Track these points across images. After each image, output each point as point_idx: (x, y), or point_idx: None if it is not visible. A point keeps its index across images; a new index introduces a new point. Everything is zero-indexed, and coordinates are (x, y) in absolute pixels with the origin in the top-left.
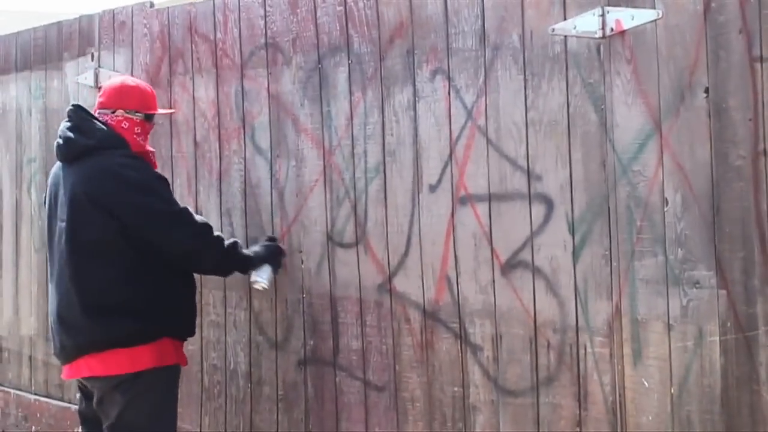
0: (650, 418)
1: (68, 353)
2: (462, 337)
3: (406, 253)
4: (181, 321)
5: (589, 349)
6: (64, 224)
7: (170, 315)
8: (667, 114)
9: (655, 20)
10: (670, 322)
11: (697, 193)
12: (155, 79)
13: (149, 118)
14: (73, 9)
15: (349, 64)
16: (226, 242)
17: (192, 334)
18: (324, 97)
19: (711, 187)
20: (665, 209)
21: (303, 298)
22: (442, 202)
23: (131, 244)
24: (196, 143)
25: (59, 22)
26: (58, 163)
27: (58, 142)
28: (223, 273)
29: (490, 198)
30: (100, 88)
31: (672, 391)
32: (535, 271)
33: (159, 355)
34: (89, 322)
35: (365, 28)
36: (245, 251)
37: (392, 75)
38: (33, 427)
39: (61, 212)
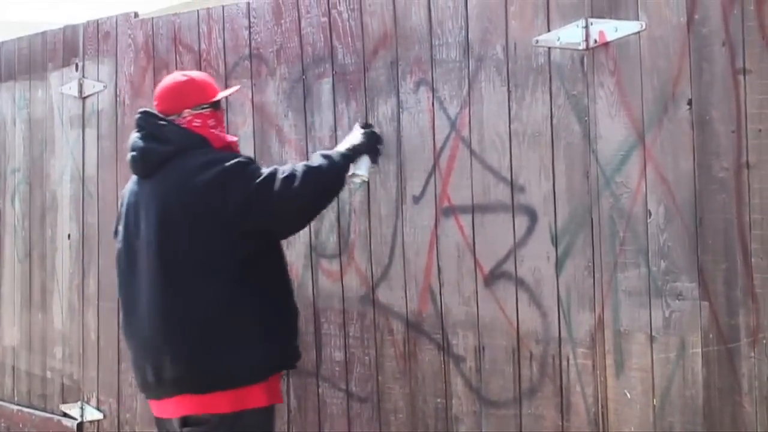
0: (632, 429)
1: (164, 389)
2: (445, 348)
3: (389, 264)
4: (291, 346)
5: (571, 361)
6: (153, 244)
7: (281, 342)
8: (651, 125)
9: (639, 32)
10: (653, 333)
11: (680, 204)
12: (139, 90)
13: (216, 105)
14: (58, 19)
15: (333, 75)
16: (316, 162)
17: (299, 357)
18: (308, 108)
19: (694, 199)
20: (648, 221)
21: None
22: (425, 214)
23: (237, 252)
24: None
25: (44, 32)
26: (132, 181)
27: (132, 155)
28: (335, 192)
29: (473, 209)
30: (85, 98)
31: (654, 402)
32: (518, 282)
33: (267, 393)
34: (193, 355)
35: (349, 39)
36: (342, 152)
37: (376, 86)
38: None
39: (147, 232)
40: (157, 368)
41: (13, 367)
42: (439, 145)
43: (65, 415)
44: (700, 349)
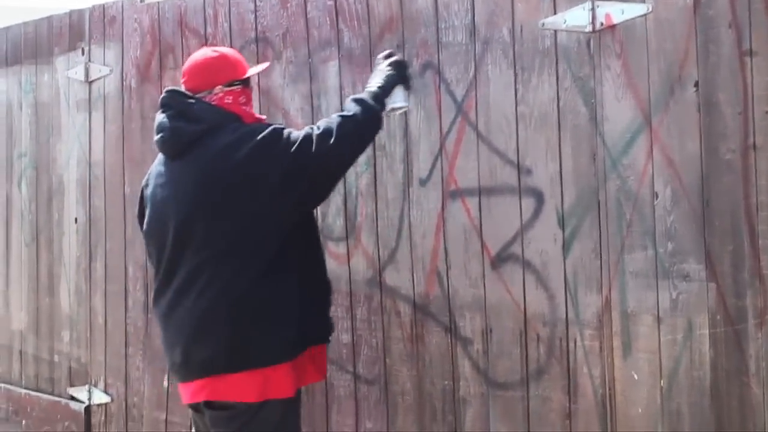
0: (640, 410)
1: (192, 370)
2: (452, 330)
3: (396, 247)
4: (323, 318)
5: (578, 342)
6: (188, 224)
7: (314, 315)
8: (657, 108)
9: (645, 14)
10: (660, 315)
11: (687, 186)
12: (145, 74)
13: (246, 82)
14: (64, 4)
15: (339, 58)
16: (354, 109)
17: (332, 330)
18: (314, 92)
19: (701, 181)
20: (655, 203)
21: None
22: (432, 196)
23: (278, 226)
24: None
25: (50, 17)
26: (159, 162)
27: (162, 136)
28: (375, 134)
29: (480, 192)
30: (91, 82)
31: (662, 383)
32: (525, 264)
33: (294, 379)
34: (231, 334)
35: (355, 22)
36: (374, 91)
37: None
38: (23, 421)
39: (181, 212)
40: (186, 348)
41: (21, 351)
42: (445, 127)
43: (73, 398)
44: (707, 331)
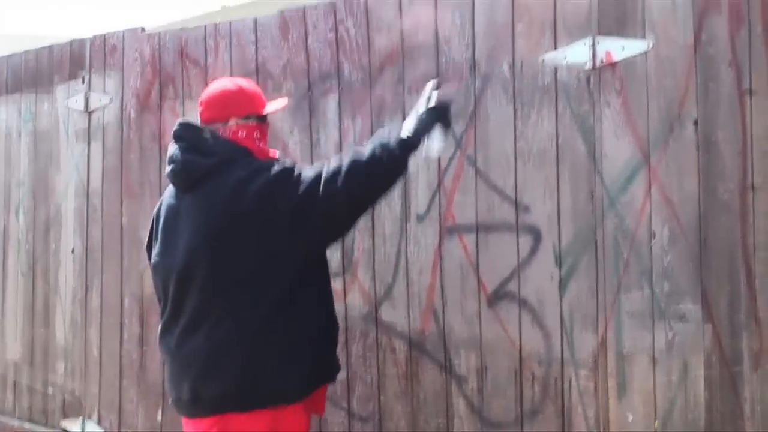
0: None
1: (201, 408)
2: (447, 368)
3: (392, 283)
4: (333, 359)
5: (574, 382)
6: (200, 259)
7: (325, 355)
8: (656, 146)
9: (646, 52)
10: (656, 355)
11: (685, 226)
12: (145, 104)
13: (263, 118)
14: (65, 33)
15: (339, 91)
16: (372, 151)
17: (339, 369)
18: (314, 125)
19: (698, 221)
20: (652, 242)
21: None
22: (429, 232)
23: (289, 263)
24: None
25: (50, 46)
26: (170, 193)
27: (174, 168)
28: (394, 181)
29: (477, 228)
30: (91, 112)
31: (656, 425)
32: (522, 302)
33: (306, 417)
34: (242, 374)
35: (356, 55)
36: (402, 138)
37: (382, 103)
38: None
39: (192, 246)
40: (195, 385)
41: (15, 382)
42: (444, 163)
43: (66, 431)
44: (702, 372)
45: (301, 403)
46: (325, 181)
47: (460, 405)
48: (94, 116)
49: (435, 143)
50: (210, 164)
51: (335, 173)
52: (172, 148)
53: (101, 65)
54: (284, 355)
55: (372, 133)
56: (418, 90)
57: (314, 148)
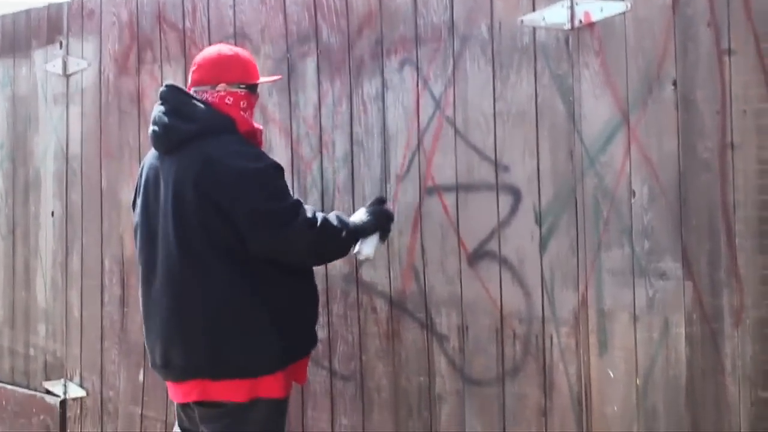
0: (615, 408)
1: (177, 373)
2: (428, 327)
3: None
4: (309, 334)
5: (555, 340)
6: (171, 225)
7: (302, 330)
8: (635, 106)
9: (624, 12)
10: (636, 313)
11: (664, 184)
12: (123, 68)
13: (253, 89)
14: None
15: (317, 53)
16: (334, 222)
17: (316, 344)
18: (292, 87)
19: (678, 179)
20: (632, 201)
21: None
22: (409, 193)
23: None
24: None
25: (28, 10)
26: (153, 154)
27: (154, 130)
28: (337, 257)
29: (457, 188)
30: (69, 76)
31: (637, 381)
32: (502, 261)
33: (285, 382)
34: (210, 344)
35: (334, 17)
36: (354, 223)
37: (361, 65)
38: None
39: (165, 211)
40: (166, 352)
41: None
42: (423, 124)
43: (48, 392)
44: (683, 329)
45: (281, 372)
46: (306, 219)
47: (441, 363)
48: (72, 80)
49: (367, 248)
50: (191, 130)
51: (314, 219)
52: (156, 110)
53: (79, 29)
54: (253, 329)
55: (351, 95)
56: (397, 52)
57: (293, 110)
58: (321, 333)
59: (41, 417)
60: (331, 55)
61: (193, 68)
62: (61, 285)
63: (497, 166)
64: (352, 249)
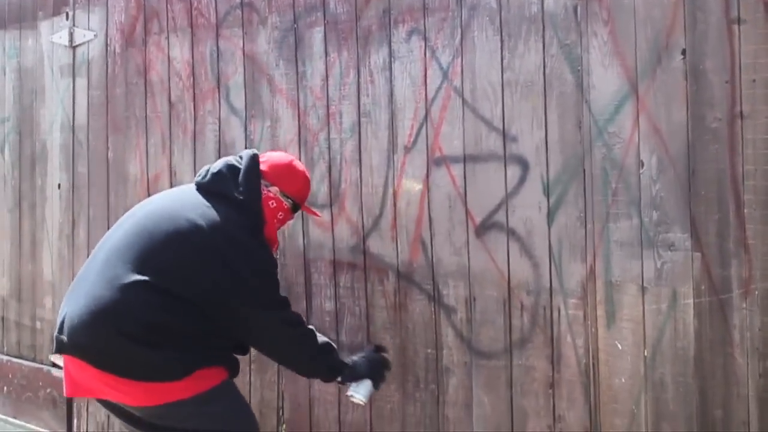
0: (623, 380)
1: (75, 351)
2: (436, 298)
3: (380, 215)
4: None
5: (562, 311)
6: (148, 233)
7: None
8: (644, 76)
9: None
10: (644, 284)
11: (673, 155)
12: (130, 39)
13: (295, 209)
14: None
15: (324, 24)
16: (320, 339)
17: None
18: (299, 58)
19: (687, 150)
20: (641, 171)
21: (276, 259)
22: (417, 163)
23: (207, 305)
24: (170, 103)
25: None
26: (191, 185)
27: (207, 169)
28: (311, 372)
29: (465, 159)
30: (75, 47)
31: (645, 353)
32: (510, 232)
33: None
34: (123, 344)
35: None
36: (345, 363)
37: (368, 35)
38: (5, 388)
39: (153, 219)
40: (84, 336)
41: (3, 318)
42: (431, 94)
43: (55, 365)
44: (691, 301)
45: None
46: (291, 319)
47: (448, 335)
48: (78, 51)
49: (361, 392)
50: (228, 195)
51: (299, 325)
52: (230, 158)
53: (85, 0)
54: (164, 342)
55: (358, 65)
56: (404, 22)
57: (300, 81)
58: (328, 305)
59: (48, 390)
60: (339, 25)
61: (265, 158)
62: (68, 258)
63: (505, 136)
64: (346, 388)
